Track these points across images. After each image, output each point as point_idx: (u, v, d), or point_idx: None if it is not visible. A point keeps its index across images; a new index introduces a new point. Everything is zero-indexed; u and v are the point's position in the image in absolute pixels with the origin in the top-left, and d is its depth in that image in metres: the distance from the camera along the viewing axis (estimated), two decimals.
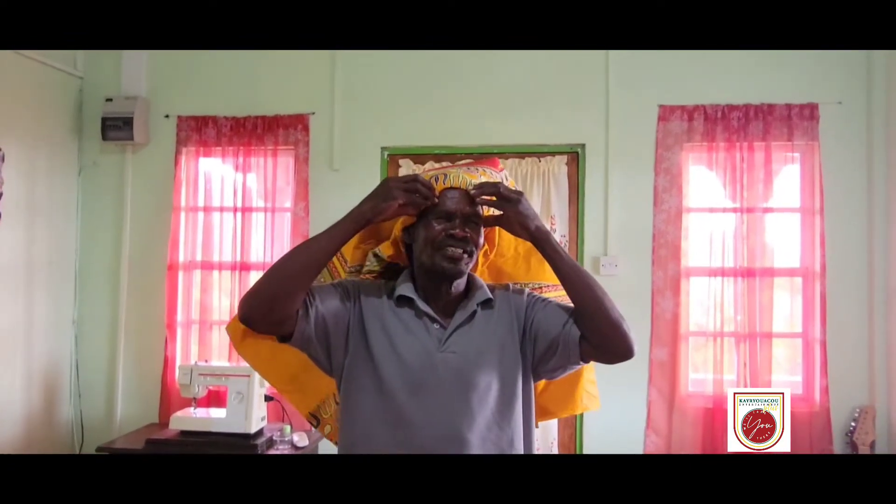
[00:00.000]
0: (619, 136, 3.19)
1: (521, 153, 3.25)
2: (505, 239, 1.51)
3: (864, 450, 2.80)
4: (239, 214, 3.34)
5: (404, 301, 1.36)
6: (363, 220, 1.31)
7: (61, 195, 3.38)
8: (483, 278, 1.53)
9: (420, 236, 1.36)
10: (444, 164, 1.49)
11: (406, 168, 3.30)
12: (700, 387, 3.15)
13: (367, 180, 3.27)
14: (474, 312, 1.37)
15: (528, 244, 1.40)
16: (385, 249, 1.50)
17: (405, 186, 1.31)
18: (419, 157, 3.30)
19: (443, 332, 1.35)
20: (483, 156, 3.19)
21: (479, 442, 1.30)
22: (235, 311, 1.34)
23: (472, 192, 1.34)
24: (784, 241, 3.14)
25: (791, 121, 3.05)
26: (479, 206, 1.37)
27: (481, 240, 1.39)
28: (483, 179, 1.40)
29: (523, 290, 1.45)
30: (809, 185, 3.10)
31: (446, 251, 1.32)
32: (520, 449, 1.35)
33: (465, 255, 1.33)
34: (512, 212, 1.32)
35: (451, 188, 1.36)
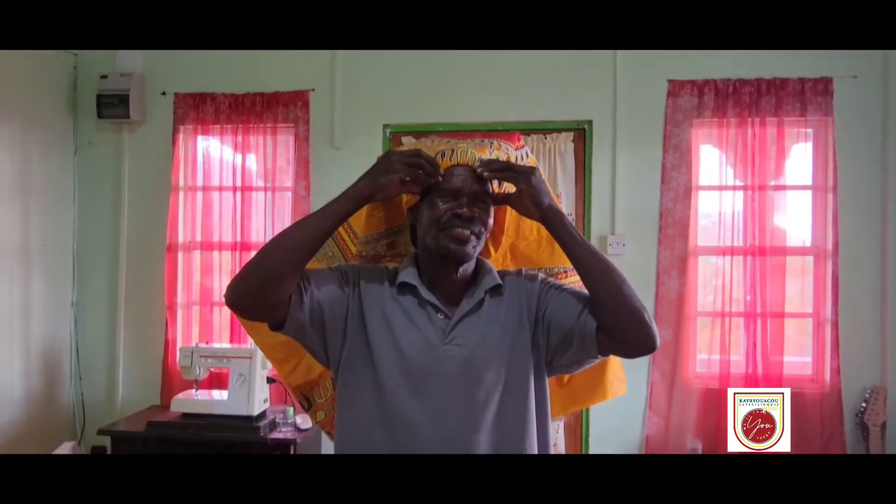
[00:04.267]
0: (627, 112, 3.11)
1: (527, 130, 3.16)
2: (527, 221, 1.38)
3: (874, 431, 2.76)
4: (238, 194, 3.28)
5: (406, 288, 1.26)
6: (360, 197, 1.20)
7: (57, 175, 3.32)
8: (506, 264, 1.44)
9: (424, 216, 1.25)
10: (452, 140, 1.36)
11: (408, 146, 3.22)
12: (704, 368, 3.11)
13: (369, 159, 3.11)
14: (482, 300, 1.26)
15: None
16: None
17: (407, 160, 1.20)
18: (422, 134, 3.21)
19: (447, 323, 1.24)
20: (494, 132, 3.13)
21: (486, 442, 1.20)
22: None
23: (479, 169, 1.22)
24: (795, 219, 3.07)
25: (805, 95, 2.97)
26: (489, 184, 1.26)
27: (491, 220, 1.28)
28: (495, 154, 1.29)
29: (536, 276, 1.32)
30: (822, 161, 3.02)
31: (452, 232, 1.21)
32: (533, 449, 1.24)
33: (473, 237, 1.23)
34: (523, 186, 1.21)
35: (458, 165, 1.25)
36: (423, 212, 1.26)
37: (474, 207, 1.23)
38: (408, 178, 1.21)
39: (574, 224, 1.27)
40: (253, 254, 1.23)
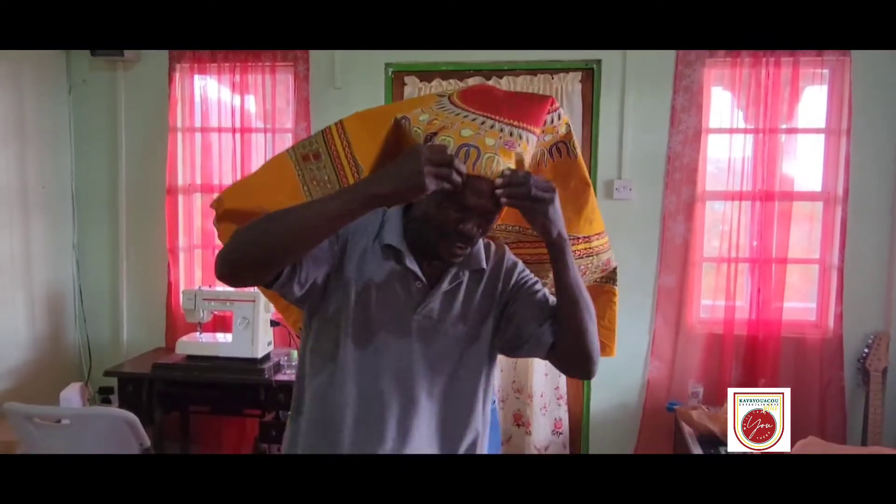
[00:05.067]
0: (638, 51, 3.00)
1: (534, 70, 3.07)
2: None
3: (875, 376, 2.78)
4: (238, 135, 3.21)
5: (391, 251, 1.24)
6: (379, 199, 1.07)
7: (52, 115, 3.25)
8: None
9: (429, 210, 1.18)
10: (479, 118, 1.25)
11: (411, 86, 3.13)
12: (708, 313, 3.11)
13: (371, 99, 3.12)
14: (463, 281, 1.27)
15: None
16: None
17: (438, 172, 1.05)
18: (426, 73, 3.13)
19: (424, 294, 1.24)
20: (498, 74, 3.04)
21: (436, 408, 1.26)
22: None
23: (499, 191, 1.13)
24: (805, 164, 3.00)
25: None
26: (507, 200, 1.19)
27: (493, 226, 1.24)
28: (522, 156, 1.21)
29: (516, 265, 1.33)
30: (837, 104, 2.94)
31: (451, 246, 1.18)
32: (479, 418, 1.29)
33: (469, 249, 1.22)
34: (539, 218, 1.15)
35: (479, 177, 1.14)
36: (429, 203, 1.18)
37: (482, 224, 1.19)
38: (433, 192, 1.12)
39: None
40: None
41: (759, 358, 2.98)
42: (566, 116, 1.41)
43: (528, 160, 1.25)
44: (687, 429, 2.71)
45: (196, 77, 3.26)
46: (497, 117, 1.25)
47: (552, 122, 1.37)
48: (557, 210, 1.16)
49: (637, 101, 3.03)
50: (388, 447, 1.23)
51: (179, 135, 3.26)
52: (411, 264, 1.24)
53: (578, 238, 1.45)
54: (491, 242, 1.35)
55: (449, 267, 1.26)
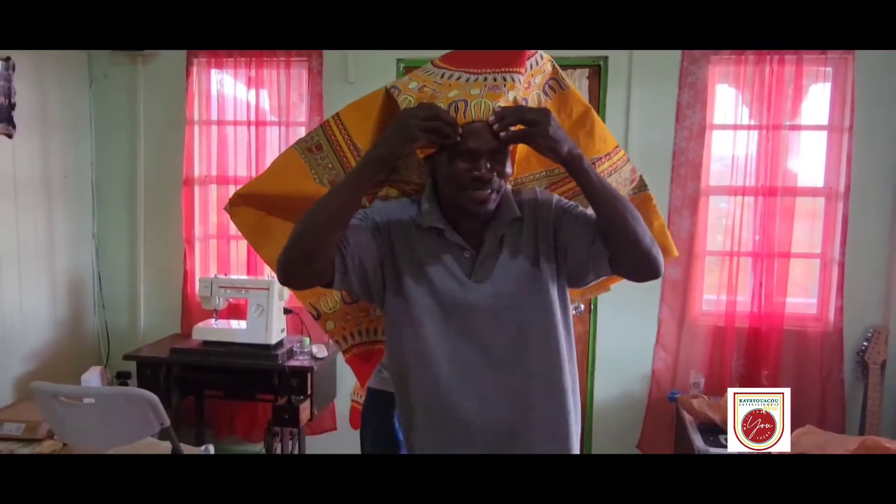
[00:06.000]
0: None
1: None
2: None
3: (874, 368, 2.83)
4: (253, 129, 3.30)
5: (433, 231, 1.32)
6: (382, 165, 1.24)
7: (73, 108, 3.35)
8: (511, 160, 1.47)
9: (443, 172, 1.27)
10: (462, 76, 1.33)
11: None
12: (711, 306, 3.17)
13: None
14: (504, 235, 1.33)
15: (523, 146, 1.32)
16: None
17: (426, 125, 1.19)
18: None
19: (474, 260, 1.32)
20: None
21: (515, 364, 1.30)
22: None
23: (495, 126, 1.21)
24: (808, 160, 3.05)
25: None
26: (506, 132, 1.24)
27: (510, 169, 1.30)
28: (510, 95, 1.28)
29: (551, 200, 1.37)
30: (840, 101, 2.98)
31: (472, 195, 1.25)
32: (562, 366, 1.32)
33: (494, 194, 1.27)
34: (541, 141, 1.21)
35: (474, 121, 1.23)
36: (441, 165, 1.27)
37: (493, 165, 1.25)
38: (425, 144, 1.23)
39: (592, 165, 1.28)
40: None
41: (760, 350, 3.03)
42: (548, 56, 1.46)
43: (518, 96, 1.31)
44: (688, 417, 2.78)
45: (213, 71, 3.36)
46: (478, 70, 1.33)
47: (537, 63, 1.42)
48: (559, 128, 1.23)
49: (643, 98, 3.09)
50: (503, 410, 1.29)
51: (196, 127, 3.35)
52: (454, 238, 1.32)
53: (601, 158, 1.49)
54: (520, 189, 1.41)
55: (487, 227, 1.32)
